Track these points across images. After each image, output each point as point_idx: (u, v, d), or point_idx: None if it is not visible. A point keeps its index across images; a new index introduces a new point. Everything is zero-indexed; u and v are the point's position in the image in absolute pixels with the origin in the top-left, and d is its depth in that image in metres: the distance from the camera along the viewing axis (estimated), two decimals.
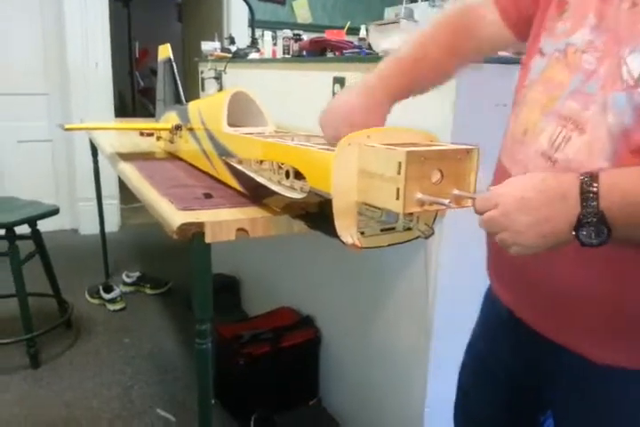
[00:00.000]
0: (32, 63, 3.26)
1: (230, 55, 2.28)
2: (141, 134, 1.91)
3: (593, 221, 0.52)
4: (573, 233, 0.53)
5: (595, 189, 0.52)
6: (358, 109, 0.85)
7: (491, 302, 0.88)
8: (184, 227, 0.94)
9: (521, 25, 0.79)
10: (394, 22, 1.25)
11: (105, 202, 2.75)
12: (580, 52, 0.62)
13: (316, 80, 1.68)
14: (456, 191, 0.74)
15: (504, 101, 1.07)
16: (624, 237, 0.53)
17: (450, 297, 1.24)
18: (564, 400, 0.76)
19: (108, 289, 2.50)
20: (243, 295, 2.43)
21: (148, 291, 2.65)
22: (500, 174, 0.73)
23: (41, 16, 3.21)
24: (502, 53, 1.21)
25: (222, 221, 0.97)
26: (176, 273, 2.73)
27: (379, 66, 0.87)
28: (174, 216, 0.99)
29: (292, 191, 0.94)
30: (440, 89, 1.11)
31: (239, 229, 0.99)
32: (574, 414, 0.74)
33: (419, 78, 0.87)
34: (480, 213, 0.61)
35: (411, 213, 0.84)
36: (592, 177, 0.52)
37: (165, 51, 1.76)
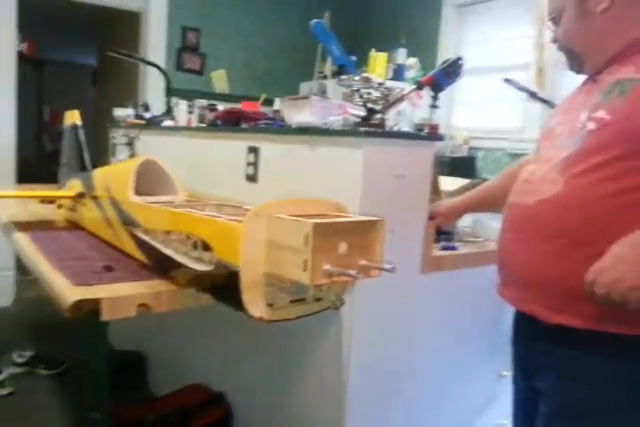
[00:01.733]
0: None
1: (144, 122, 2.26)
2: (42, 202, 1.80)
3: None
4: None
5: None
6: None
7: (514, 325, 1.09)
8: (78, 304, 0.87)
9: None
10: (305, 98, 1.30)
11: None
12: (555, 128, 0.98)
13: (230, 149, 1.70)
14: (364, 262, 0.74)
15: (402, 173, 1.13)
16: None
17: (364, 368, 1.21)
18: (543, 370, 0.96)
19: None
20: (149, 373, 2.25)
21: (42, 372, 2.39)
22: (509, 209, 1.00)
23: None
24: (403, 128, 1.30)
25: (122, 296, 0.91)
26: (74, 351, 2.49)
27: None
28: (68, 292, 0.91)
29: (199, 263, 0.90)
30: (348, 160, 1.16)
31: (140, 305, 0.92)
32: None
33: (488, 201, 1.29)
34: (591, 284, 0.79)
35: (320, 284, 0.83)
36: None
37: (72, 116, 1.71)
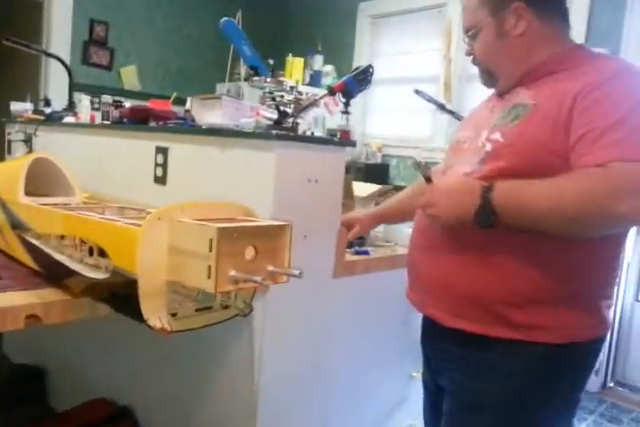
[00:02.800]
0: None
1: (43, 117, 2.10)
2: None
3: (485, 211, 0.82)
4: (473, 217, 0.83)
5: (490, 189, 0.83)
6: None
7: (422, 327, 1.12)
8: None
9: None
10: (216, 97, 1.26)
11: None
12: (461, 143, 1.03)
13: (137, 149, 1.61)
14: (270, 267, 0.72)
15: (315, 177, 1.13)
16: (505, 223, 0.83)
17: (276, 375, 1.19)
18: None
19: None
20: (49, 388, 2.09)
21: None
22: (419, 217, 1.04)
23: None
24: (317, 133, 1.29)
25: (7, 307, 0.82)
26: None
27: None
28: None
29: (95, 271, 0.84)
30: (260, 164, 1.14)
31: (29, 316, 0.84)
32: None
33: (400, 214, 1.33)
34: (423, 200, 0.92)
35: (226, 292, 0.80)
36: (490, 184, 0.84)
37: None
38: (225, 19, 1.16)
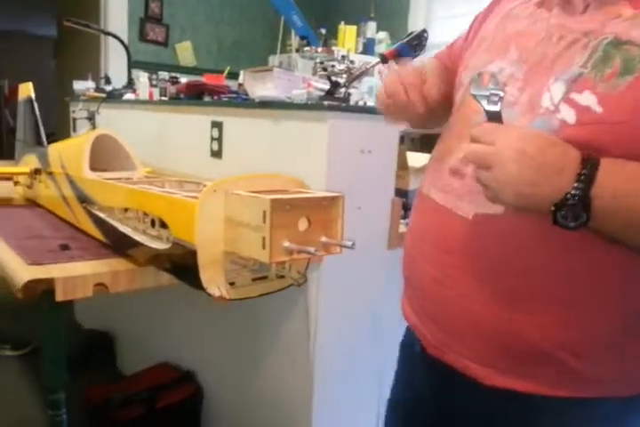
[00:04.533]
0: None
1: (104, 95, 2.17)
2: None
3: (576, 205, 0.51)
4: (552, 209, 0.52)
5: (593, 175, 0.50)
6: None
7: (409, 348, 0.83)
8: (31, 284, 0.84)
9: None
10: (267, 70, 1.26)
11: None
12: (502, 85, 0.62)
13: (194, 124, 1.65)
14: (324, 238, 0.72)
15: (369, 148, 1.11)
16: (595, 229, 0.53)
17: (331, 345, 1.22)
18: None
19: None
20: (118, 353, 2.23)
21: (8, 353, 2.35)
22: (420, 202, 0.74)
23: None
24: (371, 103, 1.27)
25: (77, 276, 0.88)
26: (39, 330, 2.44)
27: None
28: (21, 272, 0.88)
29: (157, 242, 0.88)
30: (312, 135, 1.14)
31: (97, 284, 0.89)
32: None
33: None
34: (474, 139, 0.56)
35: (281, 262, 0.82)
36: (594, 163, 0.51)
37: (26, 89, 1.63)
38: None
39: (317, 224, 0.73)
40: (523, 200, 0.53)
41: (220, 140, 1.53)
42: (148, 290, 0.99)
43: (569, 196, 0.51)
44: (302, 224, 0.71)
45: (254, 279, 0.85)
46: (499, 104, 0.55)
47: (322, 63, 1.04)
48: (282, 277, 0.87)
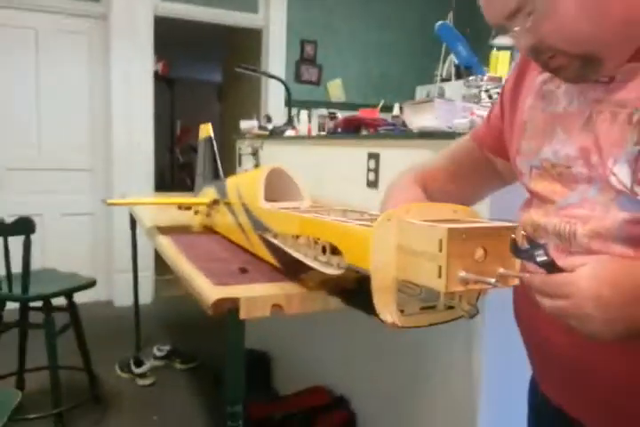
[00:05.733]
0: (79, 141, 3.47)
1: (267, 133, 2.37)
2: (179, 208, 1.96)
3: None
4: None
5: None
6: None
7: (539, 399, 0.83)
8: (219, 302, 0.93)
9: (502, 149, 0.83)
10: (428, 101, 1.29)
11: (140, 274, 2.78)
12: (564, 167, 0.66)
13: (350, 156, 1.72)
14: (501, 270, 0.71)
15: None
16: None
17: (496, 378, 1.16)
18: None
19: (139, 363, 2.45)
20: (274, 372, 2.34)
21: (178, 366, 2.60)
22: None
23: (89, 97, 3.45)
24: None
25: (257, 296, 0.96)
26: (204, 347, 2.67)
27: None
28: (210, 291, 0.98)
29: (328, 267, 0.93)
30: None
31: (274, 305, 0.96)
32: None
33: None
34: (545, 295, 0.59)
35: (452, 292, 0.81)
36: None
37: (207, 129, 1.84)
38: (440, 22, 1.18)
39: (494, 254, 0.71)
40: (619, 332, 0.55)
41: (376, 171, 1.58)
42: (315, 314, 1.05)
43: None
44: (478, 254, 0.71)
45: (422, 308, 0.86)
46: (544, 254, 0.58)
47: (487, 91, 1.04)
48: (451, 307, 0.86)
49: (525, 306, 0.80)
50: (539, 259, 0.59)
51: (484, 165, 0.90)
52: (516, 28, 0.60)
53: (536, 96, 0.71)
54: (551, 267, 0.58)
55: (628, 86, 0.58)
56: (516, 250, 0.61)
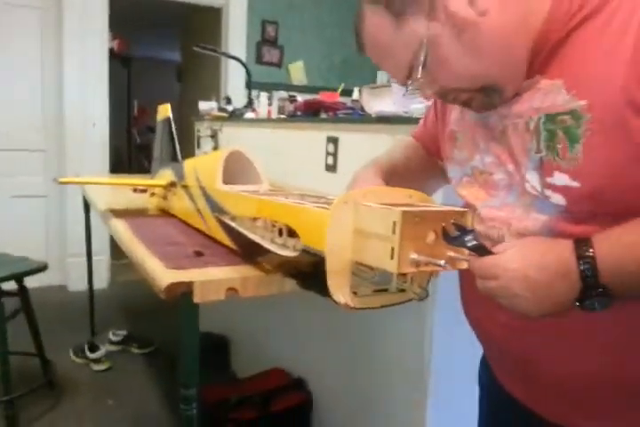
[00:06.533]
0: (31, 120, 3.32)
1: (226, 115, 2.34)
2: (134, 190, 1.92)
3: (596, 294, 0.56)
4: (577, 304, 0.57)
5: (593, 267, 0.55)
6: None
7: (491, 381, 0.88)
8: (172, 286, 0.92)
9: (439, 151, 0.88)
10: (385, 86, 1.29)
11: (95, 258, 2.72)
12: (488, 174, 0.73)
13: (309, 139, 1.72)
14: (451, 253, 0.73)
15: None
16: (623, 296, 0.57)
17: (447, 353, 1.20)
18: None
19: (94, 348, 2.41)
20: (232, 355, 2.35)
21: (135, 350, 2.56)
22: None
23: (41, 74, 3.30)
24: None
25: (212, 280, 0.95)
26: (162, 332, 2.65)
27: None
28: (163, 275, 0.97)
29: (284, 249, 0.93)
30: None
31: (229, 289, 0.96)
32: None
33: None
34: (478, 276, 0.63)
35: (404, 275, 0.83)
36: (589, 257, 0.55)
37: (165, 110, 1.80)
38: None
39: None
40: (547, 309, 0.59)
41: (335, 154, 1.59)
42: (274, 297, 1.05)
43: (584, 290, 0.56)
44: (430, 237, 0.72)
45: (375, 291, 0.87)
46: (473, 239, 0.63)
47: None
48: (403, 290, 0.88)
49: (471, 299, 0.86)
50: (469, 244, 0.63)
51: (430, 162, 0.96)
52: (417, 83, 0.67)
53: (461, 109, 0.77)
54: (482, 250, 0.62)
55: (522, 99, 0.66)
56: (448, 237, 0.65)
